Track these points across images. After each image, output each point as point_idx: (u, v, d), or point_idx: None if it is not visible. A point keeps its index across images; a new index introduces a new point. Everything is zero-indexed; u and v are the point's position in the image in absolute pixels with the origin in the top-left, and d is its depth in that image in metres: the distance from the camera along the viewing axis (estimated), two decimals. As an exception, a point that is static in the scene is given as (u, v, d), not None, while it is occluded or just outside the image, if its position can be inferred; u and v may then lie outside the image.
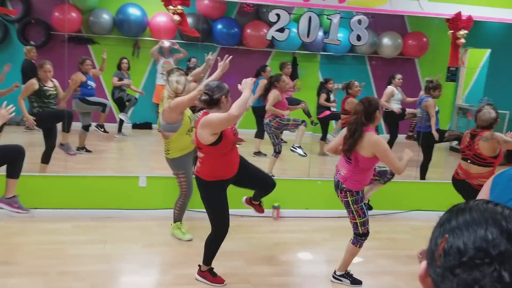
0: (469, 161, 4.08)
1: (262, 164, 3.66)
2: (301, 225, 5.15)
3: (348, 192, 3.58)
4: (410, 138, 7.36)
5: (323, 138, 7.37)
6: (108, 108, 6.70)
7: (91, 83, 6.50)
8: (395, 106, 6.84)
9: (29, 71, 6.98)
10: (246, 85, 3.32)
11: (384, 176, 4.41)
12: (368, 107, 3.52)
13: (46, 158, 5.37)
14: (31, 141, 6.83)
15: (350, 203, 3.59)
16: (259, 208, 4.22)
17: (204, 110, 3.46)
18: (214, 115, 3.25)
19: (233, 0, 6.33)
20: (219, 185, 3.49)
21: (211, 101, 3.35)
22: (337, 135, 7.07)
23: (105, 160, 6.94)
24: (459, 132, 6.15)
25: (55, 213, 4.83)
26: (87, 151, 6.62)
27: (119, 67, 7.56)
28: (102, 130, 6.75)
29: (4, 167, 3.87)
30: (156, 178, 4.99)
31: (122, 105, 7.59)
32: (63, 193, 4.90)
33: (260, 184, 3.89)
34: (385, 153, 3.44)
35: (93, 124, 6.71)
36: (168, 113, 4.08)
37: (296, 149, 6.00)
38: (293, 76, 7.99)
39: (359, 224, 3.63)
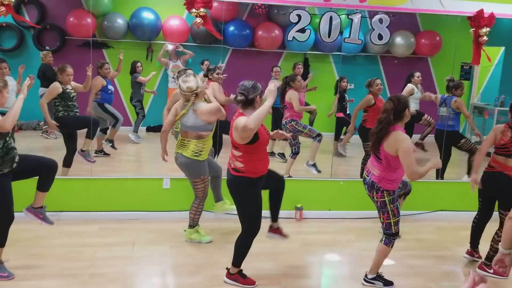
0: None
1: (271, 164, 3.66)
2: (325, 226, 5.14)
3: (385, 192, 3.56)
4: (418, 146, 7.27)
5: (336, 138, 7.34)
6: (119, 124, 6.60)
7: (111, 87, 6.53)
8: (414, 105, 6.81)
9: (46, 75, 7.02)
10: (270, 93, 3.24)
11: (405, 187, 4.43)
12: (397, 105, 3.52)
13: (67, 162, 5.38)
14: (49, 145, 6.87)
15: (387, 202, 3.56)
16: (282, 232, 4.12)
17: (239, 111, 3.45)
18: (240, 122, 3.24)
19: (254, 1, 6.23)
20: (261, 181, 3.52)
21: (247, 101, 3.35)
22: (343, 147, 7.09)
23: (124, 163, 6.95)
24: (473, 145, 6.09)
25: (81, 216, 4.86)
26: (105, 154, 6.64)
27: (134, 70, 7.56)
28: (102, 154, 6.65)
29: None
30: (179, 179, 4.98)
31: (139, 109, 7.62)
32: (88, 196, 4.92)
33: (272, 182, 3.82)
34: (407, 153, 3.39)
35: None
36: (210, 114, 4.07)
37: (310, 166, 5.99)
38: (304, 76, 8.00)
39: (392, 224, 3.61)
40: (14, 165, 3.53)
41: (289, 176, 5.90)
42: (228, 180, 3.56)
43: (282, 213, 5.15)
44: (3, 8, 4.51)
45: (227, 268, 3.71)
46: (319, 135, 6.02)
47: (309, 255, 4.40)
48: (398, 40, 8.20)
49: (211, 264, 4.02)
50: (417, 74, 6.85)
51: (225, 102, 5.63)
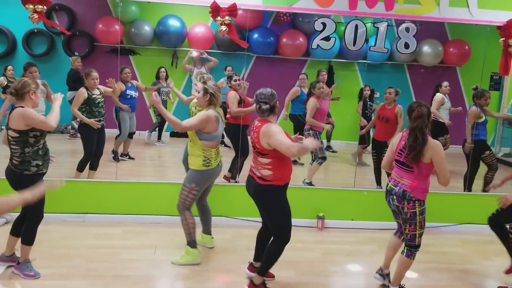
0: None
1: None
2: (347, 236, 5.08)
3: (416, 202, 3.47)
4: None
5: (361, 142, 7.23)
6: (120, 137, 6.54)
7: (131, 92, 6.48)
8: (444, 116, 6.69)
9: (73, 79, 7.18)
10: (308, 144, 3.31)
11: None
12: (428, 110, 3.48)
13: (93, 165, 5.50)
14: (76, 148, 6.98)
15: (417, 213, 3.48)
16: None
17: (259, 118, 3.46)
18: (275, 132, 3.27)
19: (279, 9, 6.25)
20: (286, 188, 3.53)
21: (270, 109, 3.38)
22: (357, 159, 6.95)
23: (148, 167, 7.05)
24: (495, 161, 5.94)
25: (106, 218, 4.94)
26: (130, 158, 6.74)
27: (157, 76, 7.66)
28: (127, 157, 6.75)
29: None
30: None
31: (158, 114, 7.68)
32: (112, 199, 5.00)
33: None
34: (443, 159, 3.40)
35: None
36: (197, 122, 3.95)
37: (306, 185, 5.91)
38: (330, 84, 7.98)
39: (417, 236, 3.54)
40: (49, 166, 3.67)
41: (311, 184, 5.88)
42: (255, 189, 3.48)
43: (303, 221, 5.20)
44: (36, 15, 4.66)
45: (251, 280, 3.65)
46: (323, 158, 6.02)
47: (331, 264, 4.36)
48: (426, 48, 8.11)
49: (232, 271, 4.03)
50: (445, 83, 6.74)
51: (235, 113, 5.61)
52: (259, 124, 3.40)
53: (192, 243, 4.08)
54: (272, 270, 3.75)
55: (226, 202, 5.10)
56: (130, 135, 6.65)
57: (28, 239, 3.64)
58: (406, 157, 3.45)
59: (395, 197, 3.53)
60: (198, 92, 3.92)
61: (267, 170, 3.40)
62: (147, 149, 7.64)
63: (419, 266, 4.02)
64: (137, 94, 6.64)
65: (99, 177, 5.44)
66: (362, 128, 7.04)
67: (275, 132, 3.27)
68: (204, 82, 3.93)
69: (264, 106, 3.37)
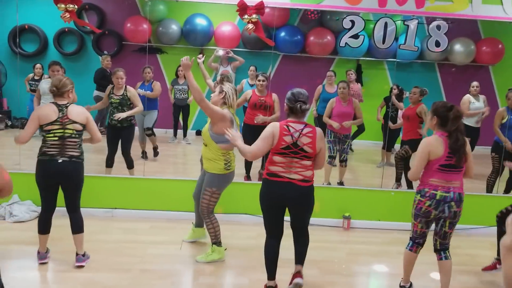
0: None
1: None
2: (373, 236, 5.02)
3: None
4: None
5: (389, 149, 7.14)
6: (149, 133, 6.62)
7: (140, 90, 6.37)
8: (472, 118, 6.49)
9: (100, 78, 7.31)
10: None
11: None
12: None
13: (107, 162, 5.61)
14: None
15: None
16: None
17: (295, 119, 3.37)
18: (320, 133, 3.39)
19: (307, 7, 6.17)
20: None
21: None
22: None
23: (174, 165, 7.13)
24: (498, 164, 5.75)
25: (134, 214, 5.03)
26: (144, 157, 6.72)
27: (176, 74, 7.70)
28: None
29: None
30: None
31: (185, 112, 7.77)
32: (140, 195, 5.08)
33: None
34: (471, 154, 3.48)
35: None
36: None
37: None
38: (359, 82, 7.90)
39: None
40: None
41: (329, 184, 5.83)
42: (301, 193, 3.36)
43: (329, 221, 5.17)
44: (67, 14, 4.77)
45: (298, 272, 3.54)
46: (330, 157, 5.97)
47: (356, 264, 4.32)
48: (458, 47, 7.92)
49: (256, 268, 4.02)
50: (473, 84, 6.53)
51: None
52: (309, 128, 3.32)
53: (218, 243, 4.11)
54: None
55: (250, 200, 5.08)
56: (146, 133, 6.63)
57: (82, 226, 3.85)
58: (456, 160, 3.35)
59: (453, 203, 3.40)
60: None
61: (310, 171, 3.39)
62: (174, 147, 7.73)
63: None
64: (148, 92, 6.55)
65: (127, 173, 5.53)
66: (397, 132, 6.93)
67: None
68: (222, 81, 3.96)
69: (304, 106, 3.33)
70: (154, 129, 6.70)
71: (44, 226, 3.80)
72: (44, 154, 3.65)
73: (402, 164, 5.95)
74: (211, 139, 3.88)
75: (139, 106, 5.52)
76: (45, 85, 5.97)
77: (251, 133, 5.48)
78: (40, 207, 3.83)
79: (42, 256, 3.85)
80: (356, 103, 6.02)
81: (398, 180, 6.07)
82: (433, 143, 3.39)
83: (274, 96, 5.85)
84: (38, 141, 3.80)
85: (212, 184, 3.96)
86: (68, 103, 3.71)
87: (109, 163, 5.58)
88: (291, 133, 3.28)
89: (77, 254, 3.84)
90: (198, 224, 4.48)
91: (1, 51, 8.00)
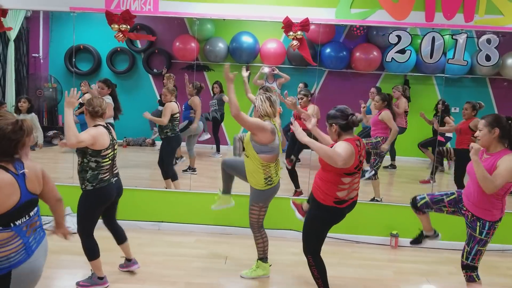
0: None
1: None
2: (422, 255, 4.86)
3: None
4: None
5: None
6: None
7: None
8: None
9: None
10: None
11: None
12: None
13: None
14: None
15: None
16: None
17: (346, 136, 3.31)
18: None
19: (352, 23, 6.12)
20: None
21: None
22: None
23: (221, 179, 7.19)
24: None
25: (179, 227, 5.14)
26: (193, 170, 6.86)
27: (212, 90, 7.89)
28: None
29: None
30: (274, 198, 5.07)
31: (216, 124, 7.88)
32: (186, 209, 5.18)
33: None
34: None
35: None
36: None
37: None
38: (407, 98, 7.73)
39: None
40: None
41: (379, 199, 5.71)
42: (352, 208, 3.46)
43: (376, 239, 5.05)
44: (121, 34, 4.99)
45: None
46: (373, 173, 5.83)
47: (404, 284, 4.19)
48: (510, 61, 7.62)
49: (301, 284, 4.00)
50: None
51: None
52: (360, 143, 3.30)
53: (265, 258, 4.11)
54: (342, 287, 3.75)
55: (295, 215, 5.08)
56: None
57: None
58: None
59: None
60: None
61: (355, 189, 3.40)
62: (219, 160, 7.82)
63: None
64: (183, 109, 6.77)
65: (173, 188, 5.67)
66: (440, 143, 6.74)
67: None
68: (259, 94, 3.92)
69: (359, 117, 3.30)
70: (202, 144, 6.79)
71: (97, 249, 3.71)
72: (102, 181, 3.57)
73: (440, 159, 5.87)
74: (253, 150, 3.82)
75: (161, 119, 5.66)
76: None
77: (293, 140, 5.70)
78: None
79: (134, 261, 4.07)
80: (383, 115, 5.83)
81: (433, 173, 6.27)
82: None
83: (310, 108, 5.82)
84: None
85: (258, 199, 3.95)
86: (107, 124, 3.72)
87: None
88: (359, 150, 3.25)
89: (130, 260, 4.01)
90: (225, 191, 4.42)
91: (58, 70, 8.46)
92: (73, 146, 3.38)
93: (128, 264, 4.06)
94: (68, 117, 3.34)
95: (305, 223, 3.46)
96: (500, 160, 3.11)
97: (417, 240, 4.03)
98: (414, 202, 3.77)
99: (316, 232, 3.40)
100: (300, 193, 5.80)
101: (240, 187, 4.75)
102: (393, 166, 7.65)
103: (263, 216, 4.01)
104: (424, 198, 3.71)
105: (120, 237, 3.96)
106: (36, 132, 6.19)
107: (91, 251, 3.66)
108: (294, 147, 5.88)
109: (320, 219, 3.35)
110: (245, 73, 4.93)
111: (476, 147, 3.07)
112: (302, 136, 3.22)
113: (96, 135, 3.48)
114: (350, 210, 3.40)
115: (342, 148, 3.10)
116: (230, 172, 4.26)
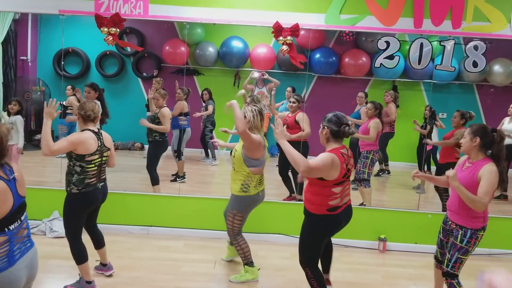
0: None
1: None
2: (410, 260, 4.89)
3: None
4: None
5: (420, 168, 6.96)
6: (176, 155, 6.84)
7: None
8: (508, 139, 6.27)
9: None
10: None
11: None
12: None
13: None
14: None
15: None
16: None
17: (336, 144, 3.26)
18: None
19: (342, 29, 6.13)
20: None
21: None
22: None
23: (209, 184, 7.20)
24: None
25: (168, 232, 5.11)
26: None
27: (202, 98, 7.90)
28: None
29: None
30: (262, 202, 5.06)
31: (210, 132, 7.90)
32: (175, 213, 5.16)
33: None
34: None
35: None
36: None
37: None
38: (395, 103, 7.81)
39: None
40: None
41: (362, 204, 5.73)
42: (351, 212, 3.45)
43: (364, 243, 5.08)
44: (110, 37, 4.97)
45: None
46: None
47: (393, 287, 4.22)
48: (497, 68, 7.74)
49: (290, 289, 4.00)
50: None
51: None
52: (347, 151, 3.27)
53: (250, 263, 4.11)
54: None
55: (284, 220, 5.10)
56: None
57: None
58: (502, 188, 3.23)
59: None
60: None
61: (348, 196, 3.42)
62: (209, 166, 7.82)
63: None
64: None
65: (163, 192, 5.63)
66: (429, 152, 6.79)
67: None
68: (247, 105, 3.96)
69: (351, 129, 3.22)
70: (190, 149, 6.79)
71: (86, 253, 3.66)
72: (88, 186, 3.54)
73: (447, 193, 5.76)
74: (244, 164, 3.85)
75: (164, 127, 5.66)
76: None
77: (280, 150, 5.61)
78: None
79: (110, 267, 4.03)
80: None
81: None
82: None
83: (299, 115, 5.81)
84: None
85: (233, 206, 3.97)
86: (99, 129, 3.66)
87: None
88: (348, 156, 3.23)
89: (105, 265, 3.99)
90: (232, 242, 4.49)
91: (46, 73, 8.40)
92: (47, 156, 3.33)
93: (103, 268, 4.03)
94: (45, 127, 3.32)
95: (301, 235, 3.39)
96: (480, 172, 3.15)
97: None
98: (436, 258, 3.76)
99: (313, 243, 3.34)
100: (294, 198, 5.81)
101: (229, 192, 4.77)
102: (387, 172, 7.69)
103: (238, 224, 4.00)
104: (437, 250, 3.71)
105: (99, 242, 3.93)
106: (17, 136, 6.01)
107: (79, 255, 3.61)
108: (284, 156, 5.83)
109: (316, 230, 3.30)
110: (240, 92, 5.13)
111: (452, 174, 3.13)
112: (280, 137, 3.19)
113: (76, 141, 3.42)
114: (347, 218, 3.35)
115: (319, 159, 3.08)
116: None
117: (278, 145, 6.09)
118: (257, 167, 3.88)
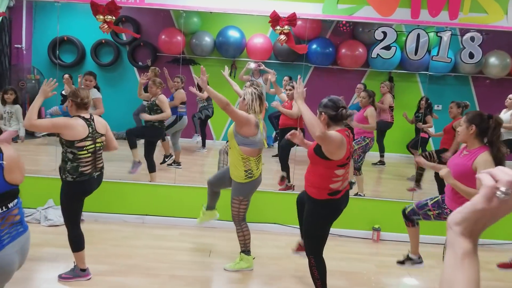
0: None
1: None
2: (403, 249, 4.86)
3: None
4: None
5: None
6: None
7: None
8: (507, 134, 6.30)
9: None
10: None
11: None
12: None
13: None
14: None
15: None
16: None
17: (336, 127, 3.21)
18: None
19: (339, 19, 6.14)
20: None
21: None
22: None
23: (205, 174, 7.19)
24: None
25: (164, 221, 5.12)
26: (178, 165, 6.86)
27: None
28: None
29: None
30: (257, 192, 5.07)
31: (206, 120, 7.89)
32: (170, 202, 5.17)
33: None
34: None
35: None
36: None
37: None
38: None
39: None
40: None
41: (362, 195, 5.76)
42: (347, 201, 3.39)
43: (358, 232, 5.11)
44: (106, 25, 4.93)
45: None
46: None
47: (385, 277, 4.25)
48: (493, 60, 7.74)
49: (284, 277, 4.03)
50: (510, 96, 6.37)
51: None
52: (349, 133, 3.23)
53: (247, 251, 4.12)
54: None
55: (280, 209, 5.12)
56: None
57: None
58: None
59: None
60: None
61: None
62: (205, 155, 7.83)
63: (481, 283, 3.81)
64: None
65: (159, 181, 5.63)
66: (423, 139, 6.82)
67: None
68: (249, 86, 3.96)
69: (348, 111, 3.18)
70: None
71: (83, 241, 3.66)
72: (82, 175, 3.51)
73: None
74: (235, 140, 3.84)
75: (165, 113, 5.70)
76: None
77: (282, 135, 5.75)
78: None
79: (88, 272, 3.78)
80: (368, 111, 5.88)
81: (417, 181, 6.08)
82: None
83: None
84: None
85: (239, 193, 3.97)
86: (91, 116, 3.61)
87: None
88: (349, 140, 3.19)
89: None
90: (209, 207, 4.45)
91: (41, 61, 8.34)
92: (27, 127, 3.38)
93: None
94: (35, 101, 3.40)
95: (305, 223, 3.37)
96: (475, 162, 3.15)
97: (402, 262, 4.05)
98: (403, 211, 3.83)
99: (317, 230, 3.32)
100: (290, 188, 5.81)
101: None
102: (382, 163, 7.72)
103: (244, 209, 4.02)
104: (411, 205, 3.80)
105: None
106: (18, 124, 6.11)
107: (76, 242, 3.62)
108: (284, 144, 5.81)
109: (319, 216, 3.27)
110: (225, 72, 4.96)
111: (445, 172, 3.16)
112: (299, 97, 3.12)
113: (61, 124, 3.42)
114: (345, 203, 3.35)
115: (331, 132, 3.05)
116: (217, 188, 4.32)
117: (275, 137, 6.09)
118: (247, 146, 3.82)
